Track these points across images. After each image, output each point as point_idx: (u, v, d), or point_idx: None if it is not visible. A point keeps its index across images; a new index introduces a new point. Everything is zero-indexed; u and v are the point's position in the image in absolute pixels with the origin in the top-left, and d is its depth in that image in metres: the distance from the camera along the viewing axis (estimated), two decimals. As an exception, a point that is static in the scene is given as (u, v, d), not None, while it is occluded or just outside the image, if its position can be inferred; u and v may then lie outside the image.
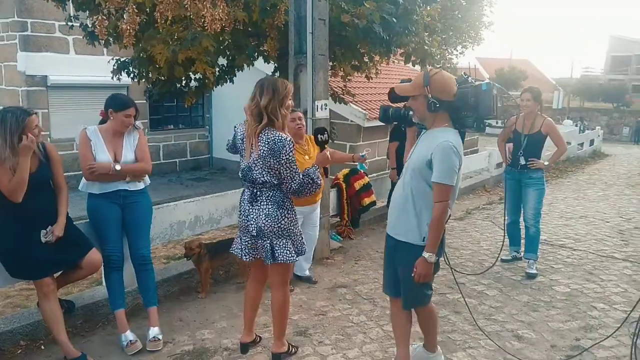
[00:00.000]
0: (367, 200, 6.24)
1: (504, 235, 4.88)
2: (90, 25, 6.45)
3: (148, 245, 3.73)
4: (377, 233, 6.39)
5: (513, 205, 5.24)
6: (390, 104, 3.12)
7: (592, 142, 16.38)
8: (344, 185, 6.10)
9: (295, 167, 2.90)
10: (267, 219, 2.96)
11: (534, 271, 4.91)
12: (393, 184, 6.72)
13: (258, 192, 2.99)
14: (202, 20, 4.51)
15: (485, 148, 11.75)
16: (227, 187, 7.13)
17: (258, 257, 3.09)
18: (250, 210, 3.02)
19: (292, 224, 3.03)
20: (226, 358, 3.37)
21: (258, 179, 2.94)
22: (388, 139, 6.76)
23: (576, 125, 20.75)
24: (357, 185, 6.14)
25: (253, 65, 6.80)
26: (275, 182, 2.94)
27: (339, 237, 5.99)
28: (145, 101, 11.32)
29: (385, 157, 8.83)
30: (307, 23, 4.75)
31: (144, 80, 6.74)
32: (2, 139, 2.98)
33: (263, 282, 3.30)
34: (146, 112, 12.41)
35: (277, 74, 6.86)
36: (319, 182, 2.96)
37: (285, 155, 2.84)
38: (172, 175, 12.77)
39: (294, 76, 5.02)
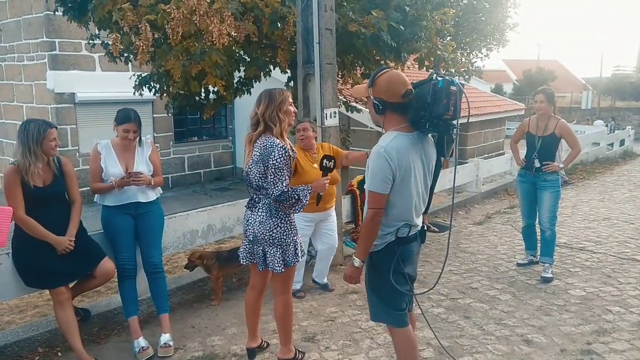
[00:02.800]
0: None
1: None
2: (110, 43, 6.72)
3: (160, 254, 3.85)
4: (393, 239, 6.39)
5: (528, 209, 5.18)
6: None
7: (622, 142, 15.95)
8: (357, 192, 6.13)
9: (281, 174, 2.90)
10: (260, 226, 3.02)
11: (550, 275, 4.84)
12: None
13: (256, 198, 3.09)
14: (211, 35, 4.65)
15: (509, 151, 11.57)
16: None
17: (254, 261, 3.17)
18: (250, 215, 3.11)
19: (284, 234, 3.04)
20: (234, 364, 3.44)
21: (254, 184, 3.03)
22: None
23: (606, 126, 20.22)
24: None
25: (270, 75, 6.95)
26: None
27: (353, 243, 6.01)
28: (169, 115, 11.62)
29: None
30: (313, 33, 4.83)
31: (165, 94, 6.95)
32: (25, 147, 3.15)
33: (261, 288, 3.37)
34: (171, 125, 12.74)
35: (292, 83, 6.98)
36: (304, 201, 2.98)
37: (273, 160, 2.87)
38: (197, 186, 13.03)
39: (302, 85, 5.11)
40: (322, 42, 4.83)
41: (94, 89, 10.95)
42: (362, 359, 3.45)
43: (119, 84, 10.28)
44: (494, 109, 15.43)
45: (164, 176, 4.06)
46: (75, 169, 3.60)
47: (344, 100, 7.48)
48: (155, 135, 12.18)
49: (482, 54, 19.61)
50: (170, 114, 11.57)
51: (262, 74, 6.62)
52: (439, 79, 2.36)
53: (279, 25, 5.40)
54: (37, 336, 3.60)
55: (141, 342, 3.56)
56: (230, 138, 14.18)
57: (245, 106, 12.87)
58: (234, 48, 5.72)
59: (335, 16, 5.05)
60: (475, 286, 4.75)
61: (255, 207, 3.07)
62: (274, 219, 3.01)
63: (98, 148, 3.63)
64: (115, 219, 3.66)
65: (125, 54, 6.09)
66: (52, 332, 3.64)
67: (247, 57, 6.21)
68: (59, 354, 3.57)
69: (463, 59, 10.24)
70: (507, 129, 17.42)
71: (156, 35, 5.55)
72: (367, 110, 2.73)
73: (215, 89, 6.83)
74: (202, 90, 6.49)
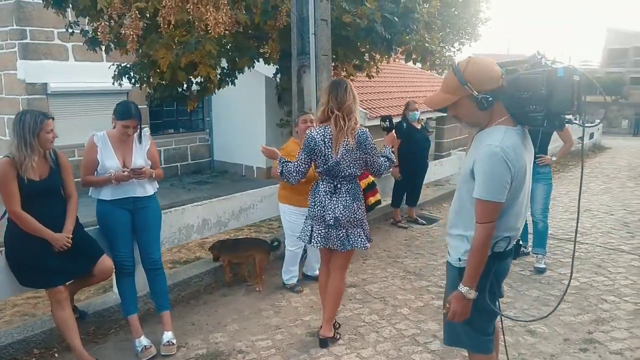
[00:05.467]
0: (372, 200, 6.16)
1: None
2: (90, 32, 6.48)
3: (158, 249, 3.72)
4: (382, 232, 6.40)
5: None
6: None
7: (591, 135, 16.40)
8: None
9: (377, 150, 3.26)
10: (345, 210, 3.23)
11: (543, 266, 4.92)
12: (397, 182, 6.74)
13: (339, 185, 3.26)
14: (205, 24, 4.52)
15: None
16: (229, 190, 7.11)
17: (328, 245, 3.34)
18: (329, 202, 3.27)
19: (364, 215, 3.37)
20: (240, 361, 3.37)
21: (343, 172, 3.21)
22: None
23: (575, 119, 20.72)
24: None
25: (254, 67, 6.83)
26: (358, 174, 3.28)
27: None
28: (145, 106, 11.32)
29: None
30: (309, 24, 4.75)
31: (145, 85, 6.76)
32: (21, 138, 3.00)
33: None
34: (147, 116, 12.42)
35: (279, 75, 6.87)
36: (393, 159, 3.39)
37: (369, 143, 3.20)
38: (174, 180, 12.74)
39: (297, 77, 5.03)
40: (317, 32, 4.76)
41: (67, 79, 10.54)
42: (370, 353, 3.42)
43: (93, 74, 9.97)
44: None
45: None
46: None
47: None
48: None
49: (454, 48, 19.83)
50: (147, 105, 11.32)
51: (250, 65, 6.50)
52: (557, 67, 1.96)
53: (271, 14, 5.30)
54: (32, 337, 3.43)
55: (143, 340, 3.44)
56: (208, 130, 13.91)
57: (222, 98, 12.64)
58: (223, 38, 5.59)
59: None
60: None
61: (337, 193, 3.26)
62: (357, 203, 3.29)
63: (94, 140, 3.46)
64: (113, 214, 3.51)
65: (111, 43, 5.88)
66: (48, 333, 3.48)
67: (237, 47, 6.08)
68: (56, 354, 3.42)
69: (447, 53, 10.28)
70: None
71: (144, 24, 5.38)
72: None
73: (199, 80, 6.69)
74: (186, 81, 6.33)
